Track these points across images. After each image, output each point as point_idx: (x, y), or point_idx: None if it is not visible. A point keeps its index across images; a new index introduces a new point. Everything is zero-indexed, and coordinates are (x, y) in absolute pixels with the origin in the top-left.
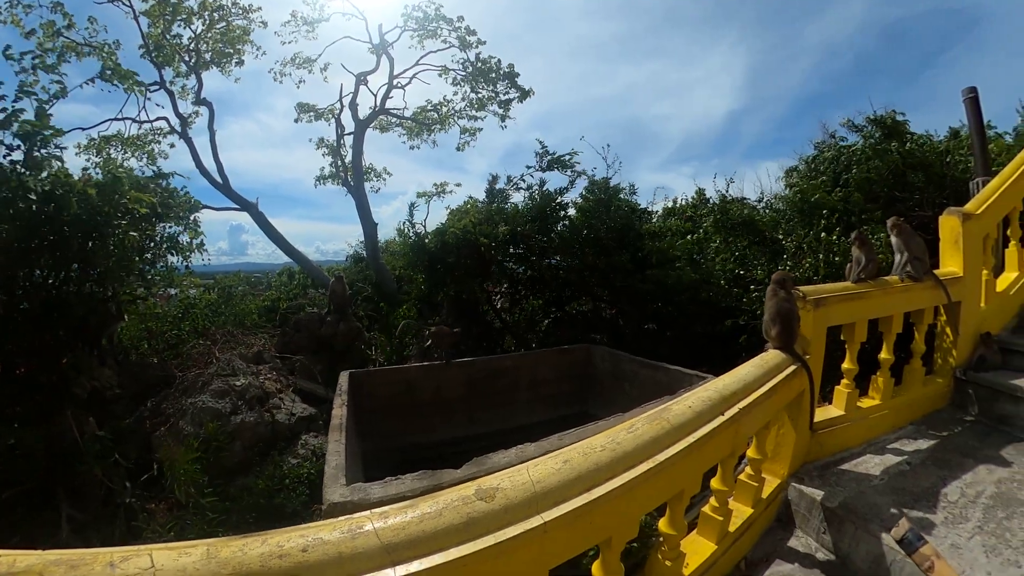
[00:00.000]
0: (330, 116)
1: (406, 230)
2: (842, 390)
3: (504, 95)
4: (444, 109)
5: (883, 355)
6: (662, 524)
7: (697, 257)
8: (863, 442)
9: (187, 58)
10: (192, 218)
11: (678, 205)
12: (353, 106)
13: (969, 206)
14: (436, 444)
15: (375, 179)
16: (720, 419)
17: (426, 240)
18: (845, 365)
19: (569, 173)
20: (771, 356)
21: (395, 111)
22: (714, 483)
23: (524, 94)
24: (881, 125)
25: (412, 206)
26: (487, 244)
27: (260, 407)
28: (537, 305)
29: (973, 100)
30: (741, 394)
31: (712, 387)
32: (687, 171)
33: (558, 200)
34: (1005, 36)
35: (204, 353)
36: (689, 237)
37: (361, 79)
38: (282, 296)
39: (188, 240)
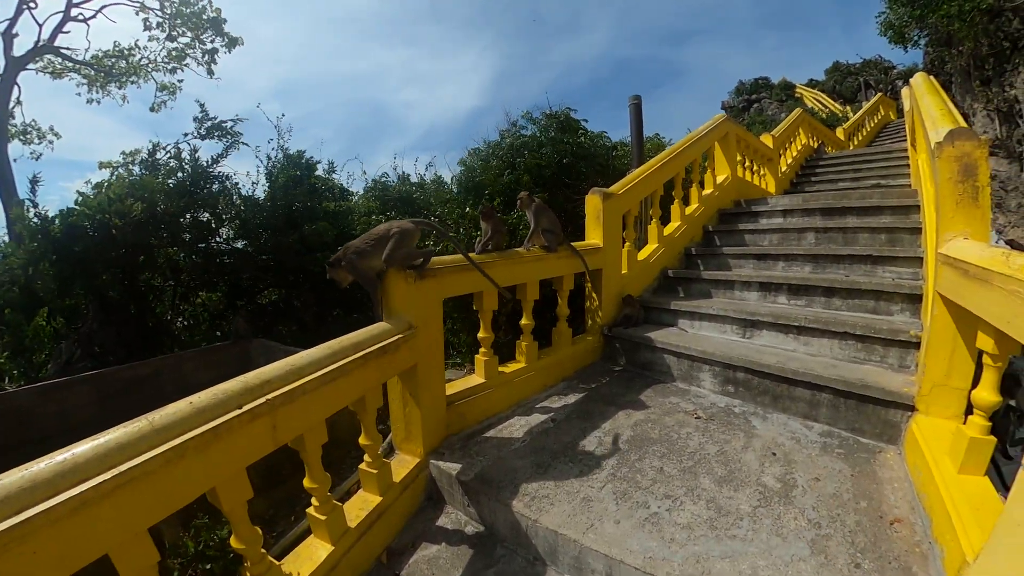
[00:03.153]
0: None
1: (26, 212)
2: (480, 358)
3: (210, 43)
4: (135, 56)
5: (524, 320)
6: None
7: None
8: (511, 406)
9: None
10: None
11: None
12: (8, 37)
13: (611, 188)
14: None
15: (37, 140)
16: (242, 410)
17: (53, 225)
18: (480, 334)
19: (226, 140)
20: (369, 329)
21: (68, 51)
22: (306, 482)
23: (232, 43)
24: (556, 119)
25: (35, 178)
26: (120, 226)
27: None
28: (215, 299)
29: (636, 106)
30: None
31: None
32: (425, 159)
33: (213, 171)
34: (698, 86)
35: None
36: (374, 218)
37: (26, 1)
38: None
39: None
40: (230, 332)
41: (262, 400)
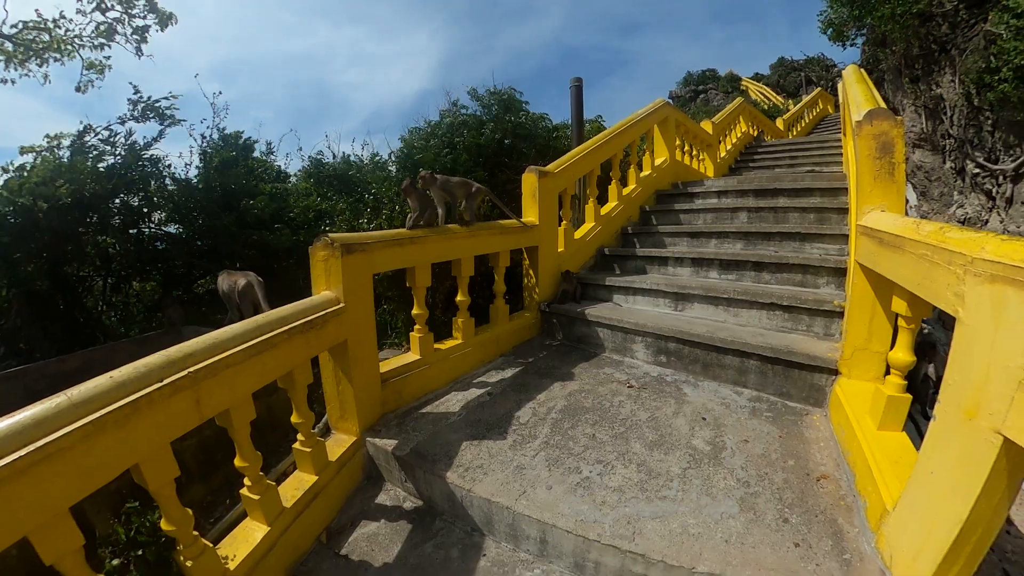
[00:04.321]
0: None
1: None
2: (415, 335)
3: (140, 18)
4: (59, 30)
5: (459, 297)
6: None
7: (320, 221)
8: (448, 382)
9: None
10: None
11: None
12: None
13: (547, 167)
14: None
15: None
16: (163, 383)
17: None
18: (414, 311)
19: (160, 122)
20: (296, 304)
21: None
22: (237, 462)
23: (164, 19)
24: (499, 97)
25: None
26: (46, 211)
27: None
28: (149, 288)
29: (578, 89)
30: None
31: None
32: (374, 140)
33: (148, 154)
34: (646, 76)
35: None
36: (310, 199)
37: None
38: None
39: None
40: (163, 320)
41: (184, 373)
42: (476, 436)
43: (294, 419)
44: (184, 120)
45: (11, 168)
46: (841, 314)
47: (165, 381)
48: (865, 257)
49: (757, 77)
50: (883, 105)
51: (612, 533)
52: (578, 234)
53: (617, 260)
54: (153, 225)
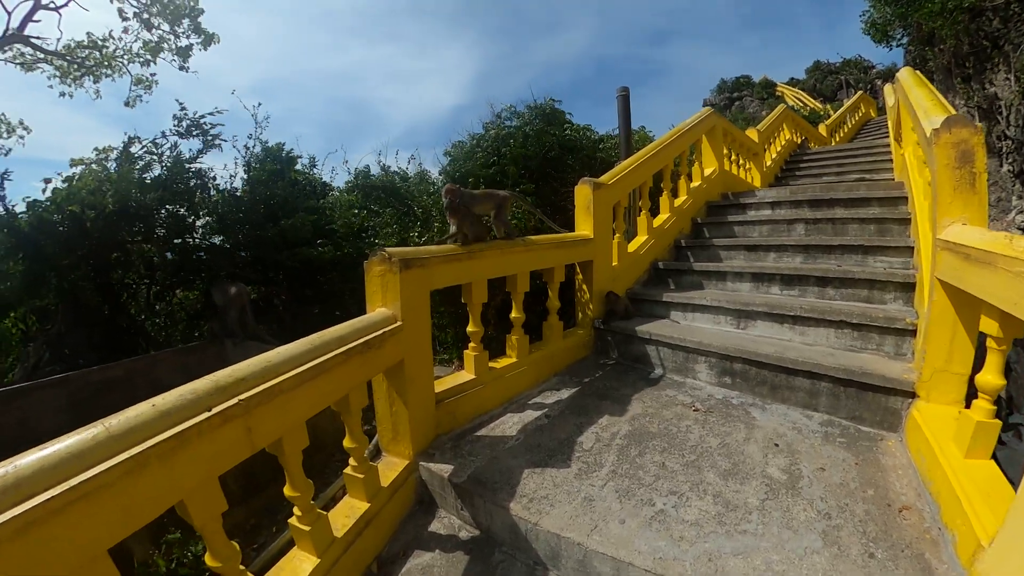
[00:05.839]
0: None
1: None
2: (470, 354)
3: (185, 37)
4: (110, 47)
5: (514, 314)
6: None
7: (365, 234)
8: (503, 402)
9: None
10: None
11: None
12: None
13: (601, 178)
14: None
15: (6, 135)
16: (212, 412)
17: (19, 219)
18: (470, 328)
19: (204, 139)
20: (352, 322)
21: (39, 40)
22: (287, 491)
23: (208, 39)
24: (541, 111)
25: (5, 173)
26: (93, 219)
27: None
28: (192, 297)
29: (624, 98)
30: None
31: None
32: (407, 155)
33: (194, 167)
34: (680, 85)
35: None
36: (355, 211)
37: None
38: None
39: None
40: (206, 331)
41: (234, 401)
42: (537, 463)
43: (347, 443)
44: (225, 139)
45: (60, 178)
46: (913, 332)
47: (214, 411)
48: (946, 273)
49: (792, 82)
50: (952, 110)
51: (694, 571)
52: (631, 247)
53: (672, 274)
54: (197, 236)
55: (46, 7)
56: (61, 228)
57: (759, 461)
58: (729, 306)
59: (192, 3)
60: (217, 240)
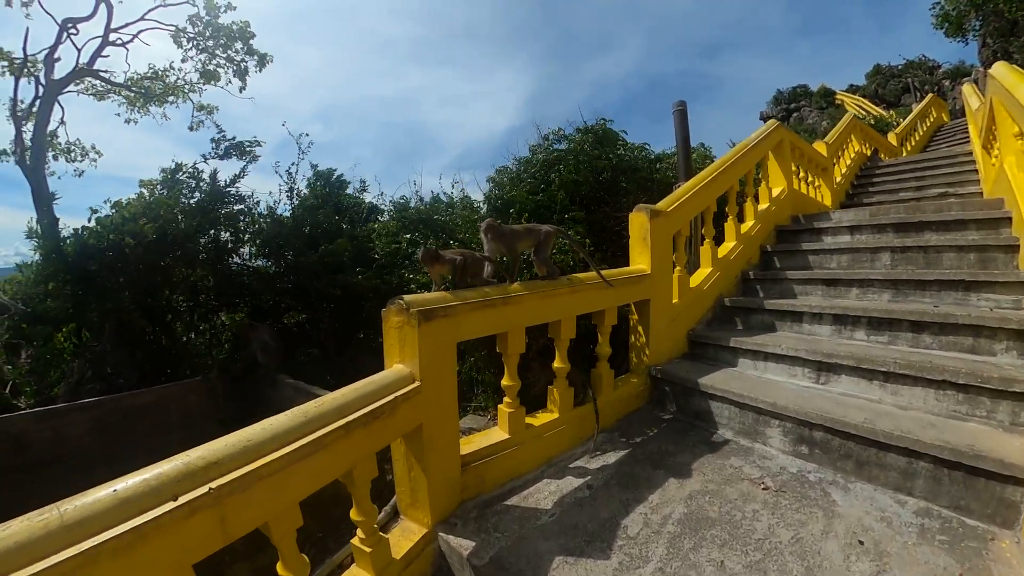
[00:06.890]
0: (25, 70)
1: (37, 228)
2: (504, 409)
3: (240, 61)
4: (171, 77)
5: (557, 363)
6: None
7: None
8: (540, 465)
9: None
10: None
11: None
12: (49, 61)
13: (659, 204)
14: None
15: (80, 159)
16: (177, 503)
17: (65, 243)
18: (504, 381)
19: (243, 157)
20: (358, 386)
21: (107, 73)
22: (280, 569)
23: (261, 60)
24: (592, 133)
25: (52, 195)
26: (133, 246)
27: None
28: (237, 319)
29: (681, 112)
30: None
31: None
32: (464, 177)
33: (232, 191)
34: (735, 98)
35: None
36: (396, 238)
37: (68, 27)
38: None
39: None
40: (242, 357)
41: (203, 490)
42: (572, 549)
43: (354, 516)
44: (259, 156)
45: (108, 203)
46: None
47: (179, 501)
48: None
49: (852, 89)
50: None
51: None
52: (693, 281)
53: (739, 313)
54: (240, 261)
55: (113, 44)
56: (107, 253)
57: (839, 564)
58: (808, 356)
59: (243, 24)
60: (262, 263)
